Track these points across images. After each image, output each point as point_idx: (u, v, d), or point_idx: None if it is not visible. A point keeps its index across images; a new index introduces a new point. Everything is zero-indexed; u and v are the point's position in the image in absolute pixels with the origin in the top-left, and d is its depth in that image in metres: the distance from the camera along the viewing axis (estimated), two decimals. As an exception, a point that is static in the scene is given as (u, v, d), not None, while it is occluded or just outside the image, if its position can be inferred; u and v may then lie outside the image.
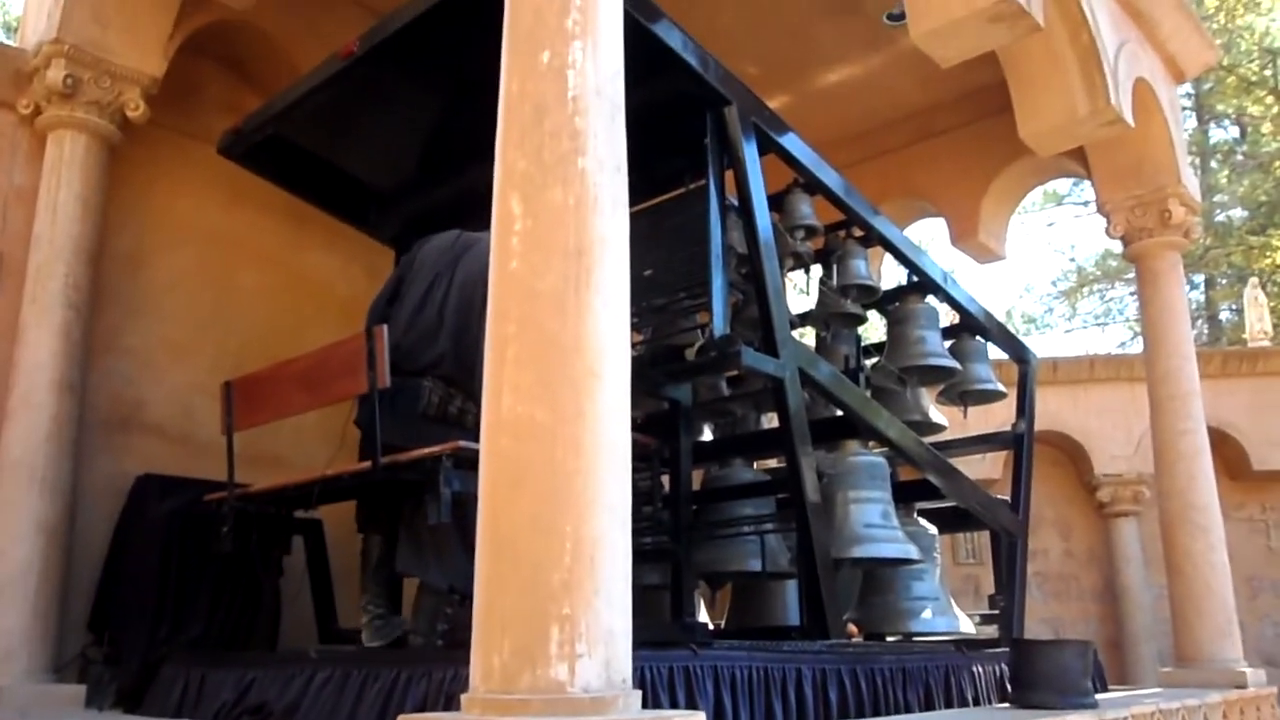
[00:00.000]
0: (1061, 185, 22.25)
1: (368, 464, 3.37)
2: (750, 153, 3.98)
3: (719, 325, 3.73)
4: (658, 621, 4.05)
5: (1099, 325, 24.92)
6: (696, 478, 4.76)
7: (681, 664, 3.10)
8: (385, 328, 3.36)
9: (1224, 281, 21.46)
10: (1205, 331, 21.02)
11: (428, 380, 3.66)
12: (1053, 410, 9.99)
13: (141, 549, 4.44)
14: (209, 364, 5.09)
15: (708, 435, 5.44)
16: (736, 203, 4.05)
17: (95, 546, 4.60)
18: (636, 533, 4.45)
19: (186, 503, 4.35)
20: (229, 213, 5.44)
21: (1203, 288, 21.61)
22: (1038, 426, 9.84)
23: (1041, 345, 24.15)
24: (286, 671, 3.44)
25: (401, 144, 4.81)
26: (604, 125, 2.23)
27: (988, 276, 34.19)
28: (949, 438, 5.85)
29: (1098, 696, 4.41)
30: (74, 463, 4.40)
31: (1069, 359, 10.31)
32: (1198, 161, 21.49)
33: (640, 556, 4.63)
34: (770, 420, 5.22)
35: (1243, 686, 5.30)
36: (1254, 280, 12.23)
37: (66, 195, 4.49)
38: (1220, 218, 21.20)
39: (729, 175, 4.03)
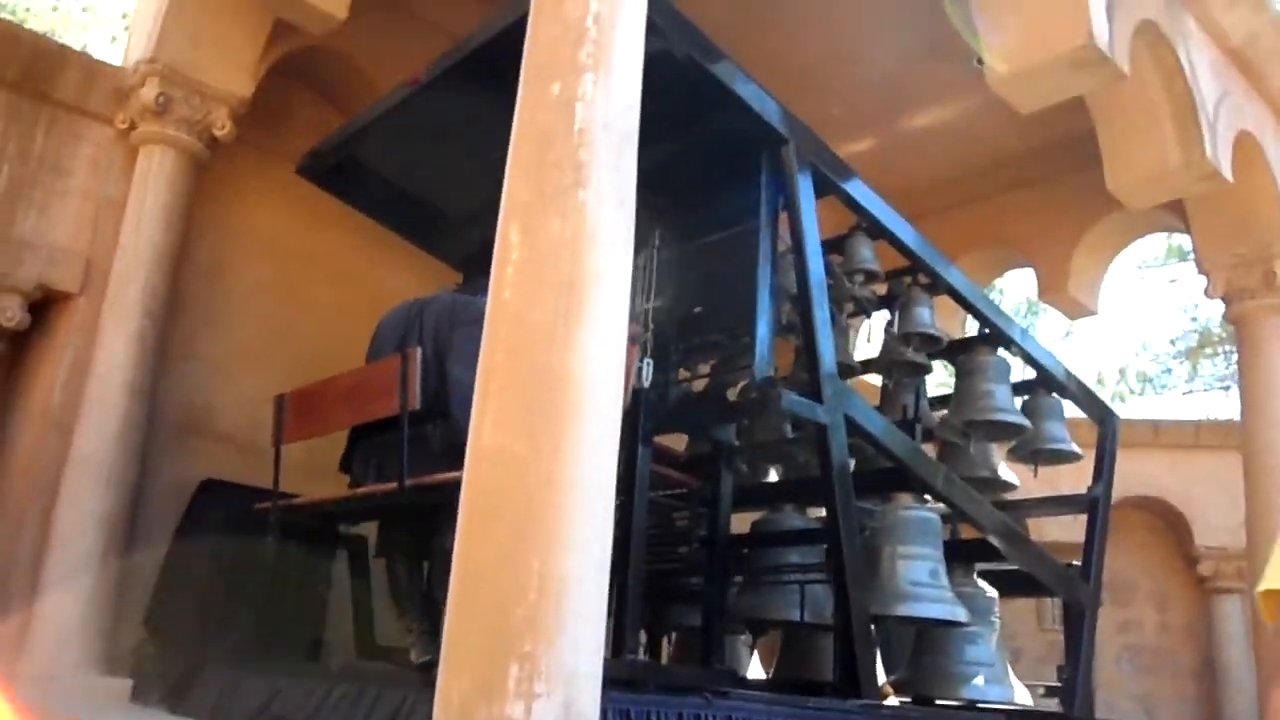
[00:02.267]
0: (1187, 240, 21.37)
1: (394, 485, 3.39)
2: (805, 192, 3.91)
3: (761, 367, 3.66)
4: (687, 667, 3.97)
5: (1222, 388, 23.73)
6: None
7: (693, 711, 3.02)
8: (419, 349, 3.40)
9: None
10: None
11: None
12: (1152, 475, 9.52)
13: (198, 551, 4.57)
14: (280, 375, 5.21)
15: (774, 477, 5.34)
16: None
17: (156, 546, 4.75)
18: (673, 574, 4.40)
19: (240, 509, 4.46)
20: (310, 230, 5.61)
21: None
22: (1136, 492, 9.47)
23: (1157, 407, 23.14)
24: (309, 684, 3.48)
25: (470, 170, 4.87)
26: (609, 159, 2.21)
27: (1104, 334, 32.90)
28: (1023, 497, 5.63)
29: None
30: (141, 463, 4.58)
31: (1172, 422, 9.80)
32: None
33: (681, 598, 4.60)
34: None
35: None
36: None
37: (152, 205, 4.71)
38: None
39: (785, 218, 3.98)
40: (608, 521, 2.07)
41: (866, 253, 4.46)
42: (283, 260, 5.54)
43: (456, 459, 3.52)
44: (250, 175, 5.41)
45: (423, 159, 4.82)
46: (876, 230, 4.45)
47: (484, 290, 2.41)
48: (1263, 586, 2.10)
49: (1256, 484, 5.66)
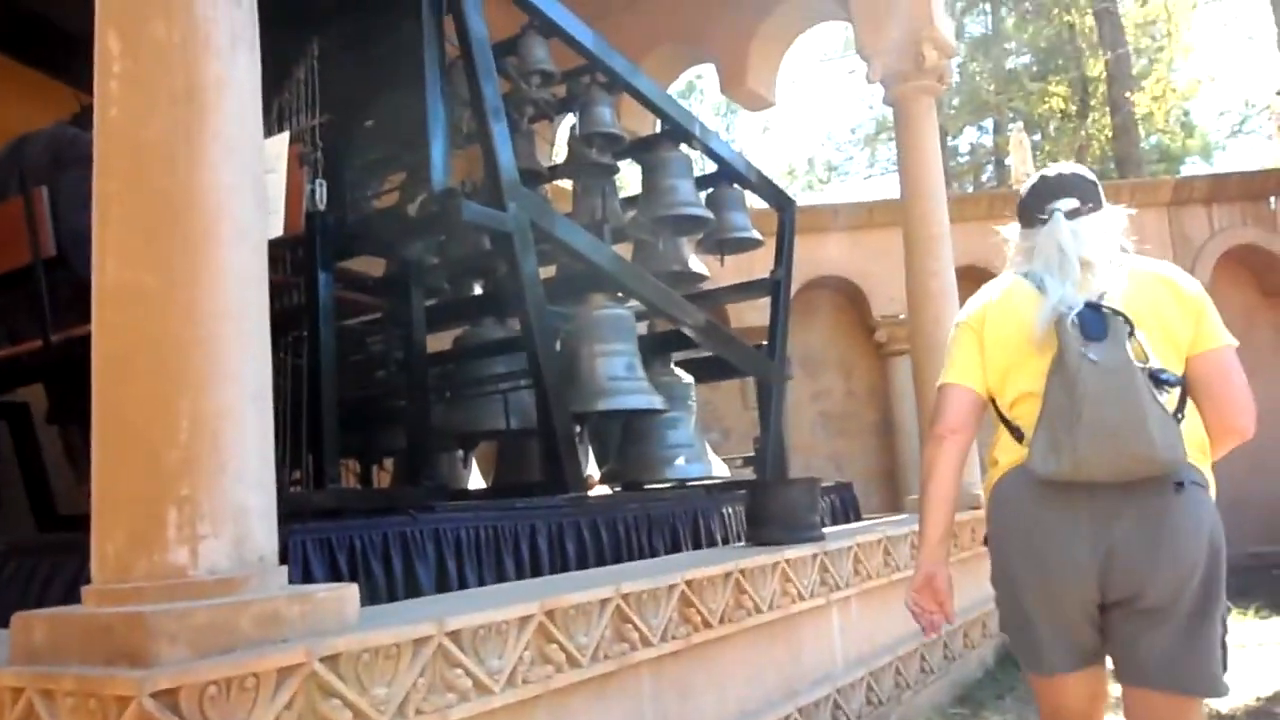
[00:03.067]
0: (860, 33, 22.54)
1: (39, 343, 3.06)
2: (468, -12, 3.71)
3: (438, 178, 3.54)
4: (396, 488, 3.97)
5: (897, 170, 25.81)
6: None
7: (397, 529, 3.03)
8: (45, 189, 3.01)
9: (1011, 127, 22.48)
10: (995, 175, 22.05)
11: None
12: (834, 256, 10.29)
13: None
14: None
15: (479, 291, 5.28)
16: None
17: None
18: (378, 398, 4.32)
19: None
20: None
21: (991, 133, 22.54)
22: (821, 272, 10.22)
23: (843, 192, 24.92)
24: (-26, 567, 3.18)
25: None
26: (215, -53, 1.96)
27: (795, 128, 34.69)
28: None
29: (835, 529, 4.66)
30: None
31: (849, 205, 10.54)
32: (989, 8, 22.16)
33: (392, 422, 4.54)
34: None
35: (977, 508, 5.70)
36: (1019, 125, 12.78)
37: None
38: (1010, 64, 22.02)
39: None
40: (263, 350, 1.94)
41: (540, 53, 4.34)
42: None
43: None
44: None
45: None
46: (549, 29, 4.33)
47: None
48: (941, 381, 2.33)
49: (913, 251, 6.24)
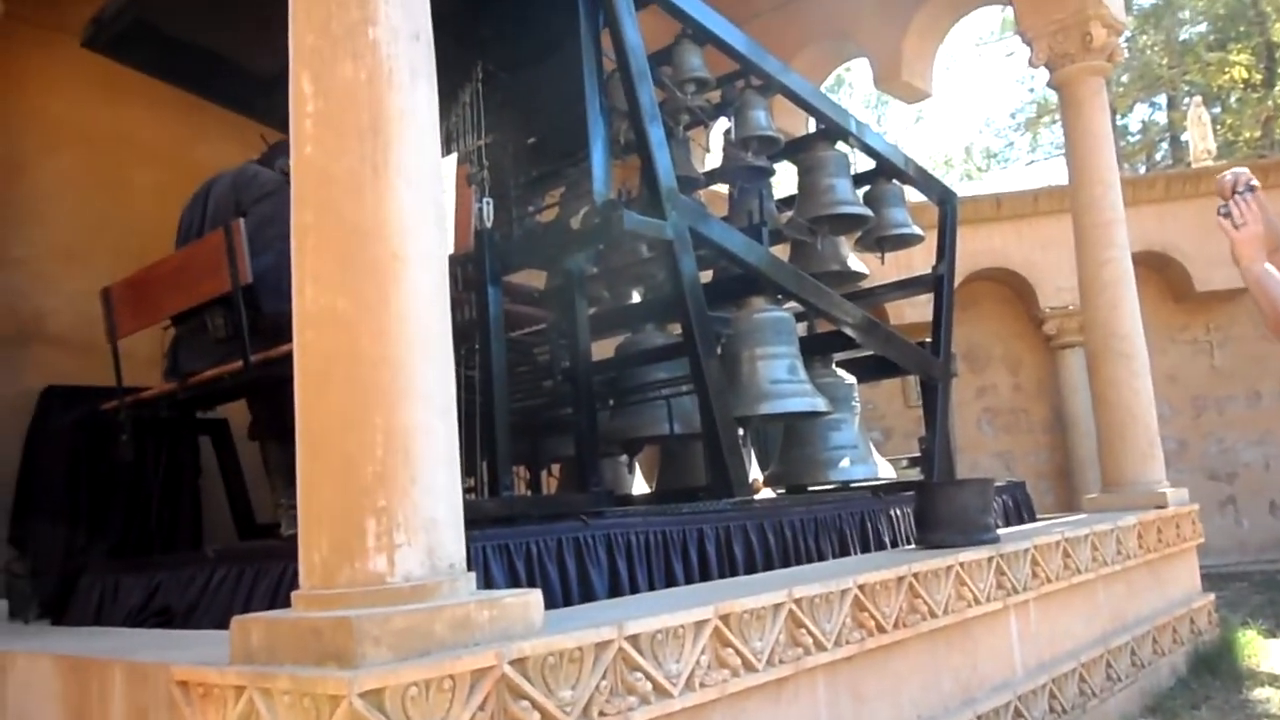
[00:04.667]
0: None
1: (239, 364, 3.29)
2: (624, 3, 3.78)
3: (599, 189, 3.62)
4: (565, 494, 4.07)
5: (1061, 155, 24.70)
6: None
7: (571, 535, 3.11)
8: (243, 221, 3.24)
9: (1186, 102, 21.19)
10: (1169, 153, 20.84)
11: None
12: (998, 247, 9.97)
13: (51, 462, 4.42)
14: (107, 268, 4.91)
15: (638, 298, 5.36)
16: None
17: (7, 463, 4.55)
18: (544, 407, 4.45)
19: (88, 412, 4.29)
20: (111, 109, 5.21)
21: (1165, 109, 21.32)
22: (984, 264, 9.91)
23: (1005, 181, 24.01)
24: (188, 573, 3.45)
25: (270, 16, 4.55)
26: (394, -10, 2.07)
27: (950, 116, 33.65)
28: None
29: (1010, 530, 4.51)
30: (-27, 382, 4.32)
31: (1012, 193, 10.19)
32: (1160, -23, 20.94)
33: (558, 430, 4.67)
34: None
35: (1163, 507, 5.42)
36: (1197, 100, 12.01)
37: (-80, 103, 4.27)
38: (1184, 35, 20.77)
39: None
40: (448, 368, 2.05)
41: (695, 60, 4.38)
42: (87, 145, 5.14)
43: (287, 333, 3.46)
44: (32, 56, 4.94)
45: (216, 11, 4.46)
46: (702, 36, 4.36)
47: (286, 153, 2.29)
48: None
49: (1084, 239, 5.98)
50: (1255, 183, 2.47)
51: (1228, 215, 2.45)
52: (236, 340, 3.28)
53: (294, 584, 2.95)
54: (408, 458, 1.91)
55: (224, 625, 2.05)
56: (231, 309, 3.32)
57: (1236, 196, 2.44)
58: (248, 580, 3.17)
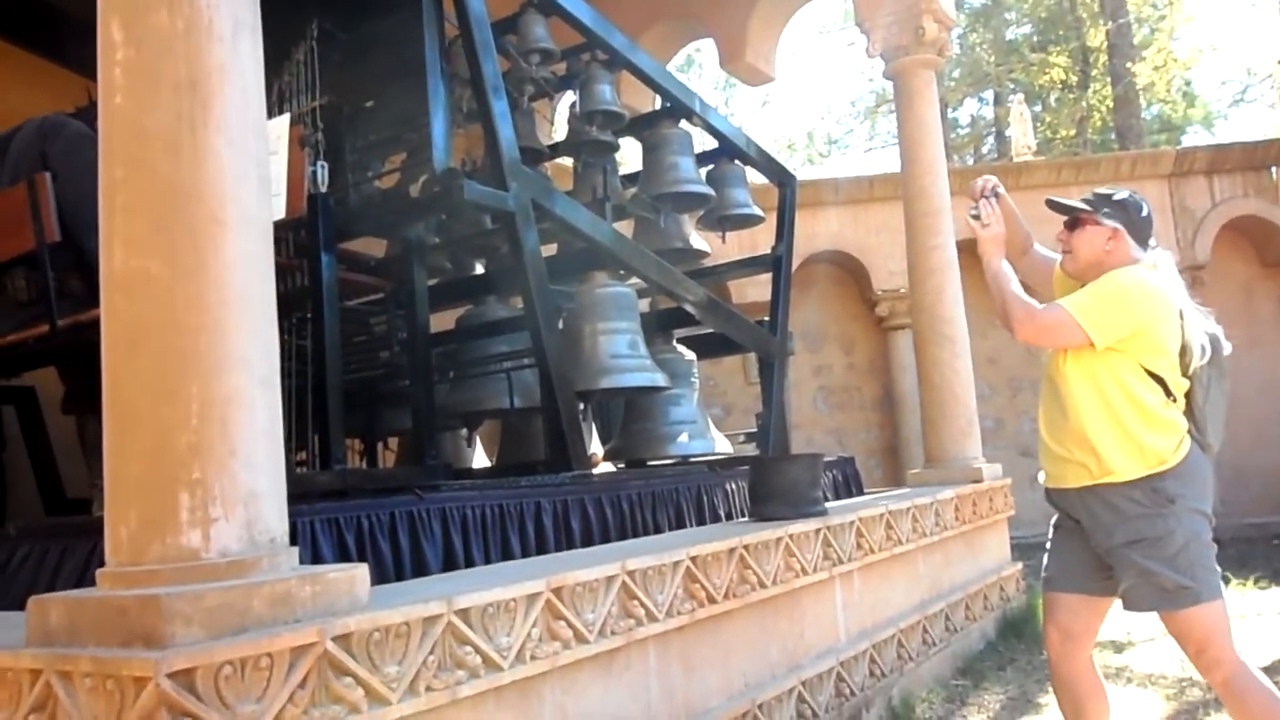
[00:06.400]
0: (860, 4, 22.36)
1: (45, 328, 3.08)
2: (466, -31, 3.70)
3: (440, 158, 3.55)
4: (401, 468, 3.99)
5: (897, 144, 25.70)
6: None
7: (404, 509, 3.06)
8: (48, 175, 3.02)
9: (1011, 99, 22.36)
10: (995, 147, 21.97)
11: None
12: (835, 230, 10.30)
13: None
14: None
15: (480, 270, 5.29)
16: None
17: None
18: (383, 379, 4.34)
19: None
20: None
21: (992, 105, 22.43)
22: (821, 247, 10.22)
23: (844, 166, 24.83)
24: (-13, 551, 3.22)
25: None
26: (216, -66, 1.96)
27: (791, 99, 34.49)
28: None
29: (838, 503, 4.69)
30: None
31: (849, 179, 10.53)
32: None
33: (397, 402, 4.57)
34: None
35: (979, 481, 5.75)
36: (1020, 97, 12.72)
37: None
38: (1011, 35, 21.89)
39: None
40: (271, 336, 1.96)
41: (540, 31, 4.33)
42: None
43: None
44: None
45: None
46: (549, 7, 4.32)
47: None
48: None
49: (913, 227, 6.25)
50: (1001, 189, 2.79)
51: (977, 217, 2.74)
52: (43, 303, 3.06)
53: (103, 563, 2.81)
54: (225, 429, 1.83)
55: (24, 607, 1.92)
56: (36, 269, 3.09)
57: (984, 200, 2.72)
58: (52, 559, 2.98)
